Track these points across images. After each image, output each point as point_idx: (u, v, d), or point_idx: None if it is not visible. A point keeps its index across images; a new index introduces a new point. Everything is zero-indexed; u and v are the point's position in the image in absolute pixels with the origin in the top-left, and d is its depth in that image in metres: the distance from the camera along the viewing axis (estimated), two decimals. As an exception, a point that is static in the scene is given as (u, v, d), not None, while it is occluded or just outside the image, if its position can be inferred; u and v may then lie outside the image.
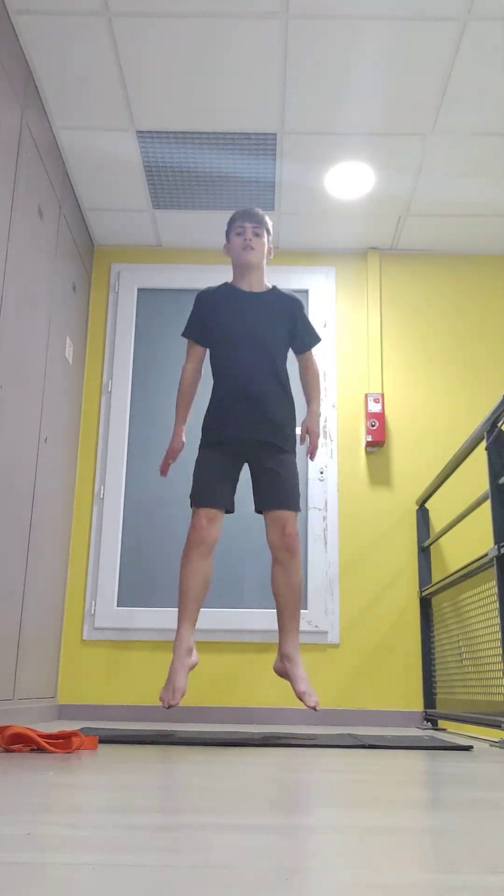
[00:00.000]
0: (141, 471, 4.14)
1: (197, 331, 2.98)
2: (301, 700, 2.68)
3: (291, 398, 2.91)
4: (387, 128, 3.48)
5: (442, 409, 4.21)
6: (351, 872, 0.80)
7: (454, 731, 3.49)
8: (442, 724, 3.68)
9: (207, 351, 3.01)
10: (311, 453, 2.92)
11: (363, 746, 2.39)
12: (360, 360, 4.29)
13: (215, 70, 3.16)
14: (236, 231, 2.95)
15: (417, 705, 3.79)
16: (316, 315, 4.35)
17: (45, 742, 2.03)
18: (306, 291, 4.41)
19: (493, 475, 2.76)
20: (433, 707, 3.66)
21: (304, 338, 2.99)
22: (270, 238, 3.01)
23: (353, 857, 0.88)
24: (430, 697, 3.71)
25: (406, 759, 2.09)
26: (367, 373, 4.26)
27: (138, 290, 4.43)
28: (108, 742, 2.34)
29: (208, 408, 2.90)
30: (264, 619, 3.85)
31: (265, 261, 3.00)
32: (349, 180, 3.84)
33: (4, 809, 1.15)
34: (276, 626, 3.83)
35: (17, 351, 3.09)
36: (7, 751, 2.01)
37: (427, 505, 4.03)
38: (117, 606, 3.94)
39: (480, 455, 3.15)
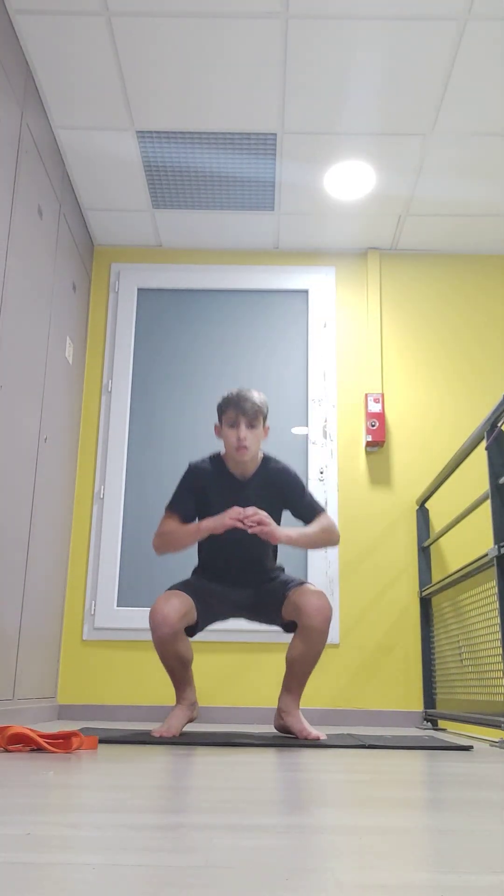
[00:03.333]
0: (141, 471, 4.14)
1: (184, 509, 2.74)
2: (303, 737, 2.57)
3: (275, 553, 2.86)
4: (387, 128, 3.48)
5: (442, 409, 4.21)
6: (351, 872, 0.80)
7: (454, 731, 3.49)
8: (442, 724, 3.68)
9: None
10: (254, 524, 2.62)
11: (363, 746, 2.39)
12: (360, 360, 4.29)
13: (215, 70, 3.16)
14: (227, 422, 2.68)
15: (417, 705, 3.79)
16: (316, 315, 4.35)
17: (45, 742, 2.03)
18: (306, 291, 4.41)
19: (493, 475, 2.76)
20: (433, 707, 3.66)
21: (302, 511, 2.75)
22: (267, 419, 2.74)
23: (353, 857, 0.88)
24: (430, 697, 3.71)
25: (406, 759, 2.09)
26: (367, 373, 4.26)
27: (138, 290, 4.43)
28: (108, 742, 2.34)
29: (199, 567, 2.85)
30: (264, 619, 3.85)
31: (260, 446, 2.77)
32: (349, 180, 3.84)
33: (4, 809, 1.15)
34: (275, 627, 3.83)
35: (17, 351, 3.09)
36: (7, 751, 2.01)
37: (427, 505, 4.03)
38: (117, 606, 3.93)
39: (480, 455, 3.15)
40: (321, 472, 4.09)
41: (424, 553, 3.93)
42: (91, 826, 1.04)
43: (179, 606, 2.56)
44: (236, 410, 2.66)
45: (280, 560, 2.92)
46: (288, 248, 4.47)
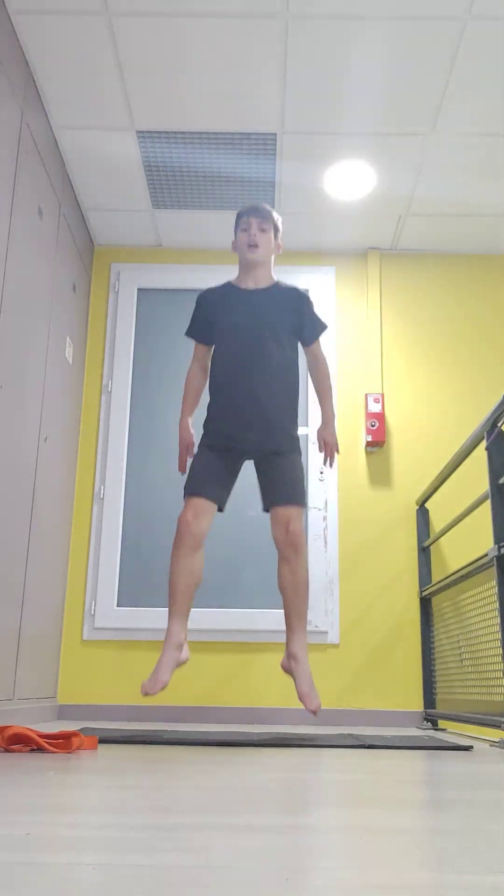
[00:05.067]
0: (141, 471, 4.14)
1: (199, 330, 2.95)
2: (302, 701, 2.63)
3: (295, 395, 2.85)
4: (387, 128, 3.48)
5: (442, 409, 4.21)
6: (351, 872, 0.80)
7: (454, 731, 3.49)
8: (442, 724, 3.68)
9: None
10: (330, 462, 2.94)
11: (363, 746, 2.39)
12: (360, 360, 4.29)
13: (215, 70, 3.16)
14: (241, 227, 2.89)
15: (417, 705, 3.79)
16: (316, 315, 4.35)
17: (45, 742, 2.03)
18: (306, 291, 4.40)
19: (493, 475, 2.76)
20: (433, 707, 3.66)
21: (309, 329, 2.90)
22: (279, 234, 2.92)
23: (353, 857, 0.88)
24: (430, 697, 3.71)
25: (406, 759, 2.09)
26: (367, 373, 4.26)
27: (138, 290, 4.43)
28: (108, 742, 2.34)
29: (208, 410, 2.85)
30: (265, 619, 3.85)
31: (272, 256, 2.94)
32: (349, 180, 3.84)
33: (4, 809, 1.15)
34: (276, 627, 3.83)
35: (17, 351, 3.09)
36: (7, 751, 2.01)
37: (427, 505, 4.03)
38: (117, 606, 3.94)
39: (480, 455, 3.15)
40: (321, 472, 4.09)
41: (424, 553, 3.93)
42: (91, 826, 1.04)
43: (206, 517, 2.68)
44: (248, 214, 2.87)
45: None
46: (288, 248, 4.46)
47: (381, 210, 4.09)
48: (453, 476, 3.98)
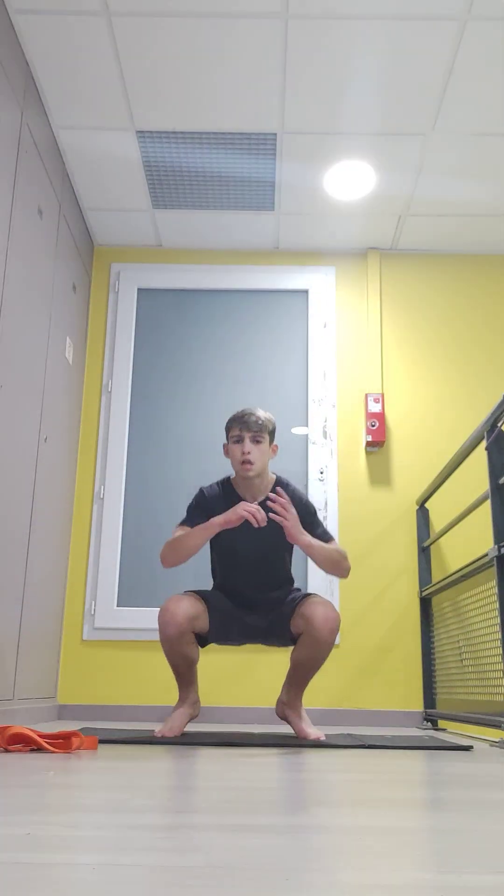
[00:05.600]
0: (141, 471, 4.14)
1: (197, 524, 2.68)
2: (302, 737, 2.59)
3: (291, 579, 2.83)
4: (387, 128, 3.48)
5: (442, 409, 4.21)
6: (351, 872, 0.80)
7: (454, 731, 3.49)
8: (442, 724, 3.68)
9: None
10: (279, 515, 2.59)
11: (363, 746, 2.39)
12: (360, 360, 4.29)
13: (215, 70, 3.16)
14: (233, 439, 2.68)
15: (417, 705, 3.79)
16: (316, 315, 4.35)
17: (45, 742, 2.03)
18: (306, 291, 4.41)
19: (493, 475, 2.76)
20: (433, 707, 3.66)
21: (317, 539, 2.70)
22: (274, 435, 2.73)
23: (353, 857, 0.88)
24: (430, 697, 3.71)
25: (406, 759, 2.09)
26: (367, 373, 4.26)
27: (138, 290, 4.43)
28: (108, 742, 2.34)
29: (215, 585, 2.83)
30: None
31: (268, 463, 2.74)
32: (349, 180, 3.84)
33: (4, 809, 1.15)
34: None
35: (17, 351, 3.09)
36: (7, 751, 2.01)
37: (427, 505, 4.03)
38: (117, 606, 3.94)
39: (480, 455, 3.15)
40: (321, 472, 4.09)
41: (424, 553, 3.93)
42: (91, 826, 1.04)
43: (189, 608, 2.55)
44: (240, 426, 2.66)
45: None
46: (288, 248, 4.47)
47: (380, 210, 4.09)
48: (453, 476, 3.98)
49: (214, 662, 3.82)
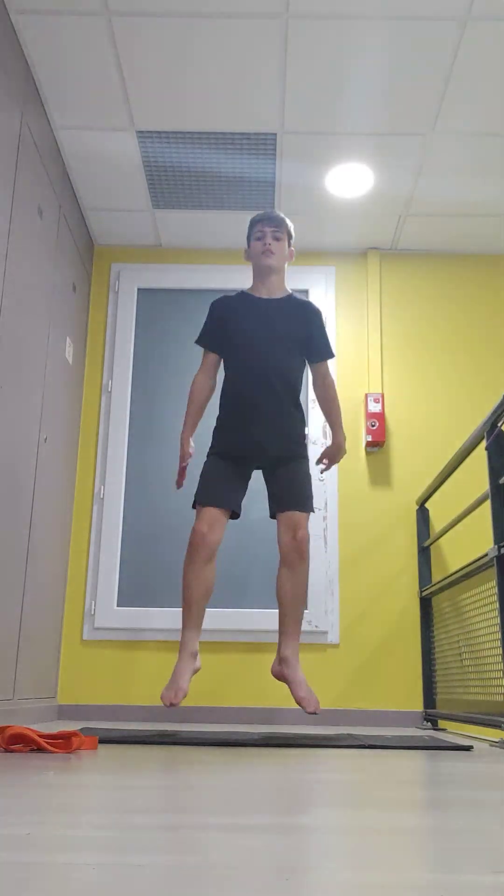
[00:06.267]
0: (141, 471, 4.14)
1: (211, 339, 2.91)
2: (300, 705, 2.65)
3: (301, 407, 2.88)
4: (387, 128, 3.48)
5: (442, 409, 4.21)
6: (351, 872, 0.80)
7: (454, 731, 3.49)
8: (442, 724, 3.68)
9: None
10: (325, 468, 2.99)
11: (363, 746, 2.39)
12: (360, 360, 4.29)
13: (215, 70, 3.16)
14: (256, 235, 2.89)
15: (417, 705, 3.79)
16: (316, 315, 4.35)
17: (45, 742, 2.03)
18: (306, 291, 4.41)
19: (493, 475, 2.76)
20: (433, 707, 3.66)
21: (319, 346, 2.90)
22: (292, 241, 2.95)
23: (353, 857, 0.88)
24: (430, 697, 3.71)
25: (406, 759, 2.09)
26: (367, 373, 4.26)
27: (138, 290, 4.43)
28: (108, 742, 2.34)
29: (218, 418, 2.86)
30: (265, 619, 3.85)
31: (286, 265, 2.95)
32: (349, 180, 3.84)
33: (4, 809, 1.15)
34: (275, 627, 3.83)
35: (17, 351, 3.09)
36: (7, 751, 2.01)
37: (427, 505, 4.03)
38: (117, 606, 3.94)
39: (480, 455, 3.15)
40: (321, 473, 4.09)
41: (424, 553, 3.93)
42: (91, 826, 1.04)
43: (219, 528, 2.70)
44: (262, 222, 2.88)
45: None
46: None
47: (380, 210, 4.09)
48: (453, 476, 3.99)
49: (213, 662, 3.82)
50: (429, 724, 3.67)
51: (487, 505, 3.84)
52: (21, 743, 2.04)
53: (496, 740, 2.76)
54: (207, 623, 3.79)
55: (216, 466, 2.79)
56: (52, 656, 3.70)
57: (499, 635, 2.64)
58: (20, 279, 3.10)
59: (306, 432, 2.93)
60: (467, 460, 3.39)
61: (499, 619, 2.58)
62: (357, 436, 4.17)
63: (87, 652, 3.87)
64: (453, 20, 2.91)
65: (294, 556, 2.71)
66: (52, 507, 3.64)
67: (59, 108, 3.39)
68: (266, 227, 2.87)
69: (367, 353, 4.29)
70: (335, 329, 4.33)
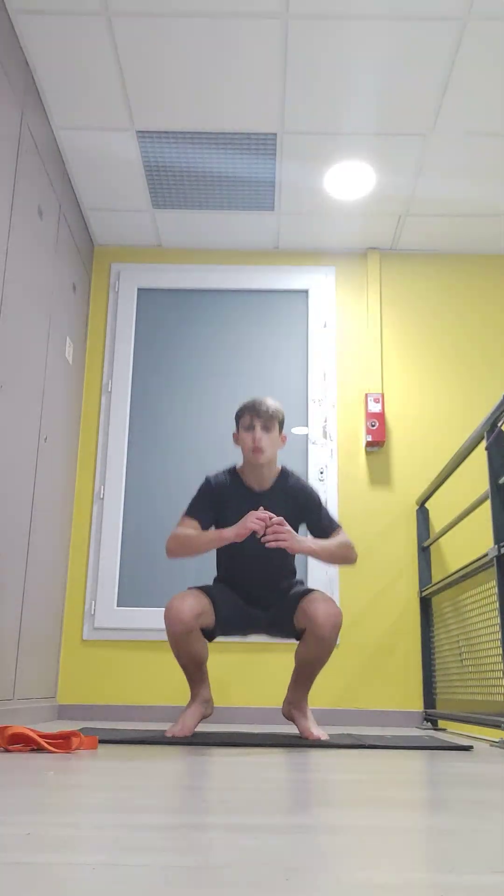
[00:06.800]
0: (141, 471, 4.14)
1: (202, 514, 2.72)
2: (305, 736, 2.60)
3: (294, 570, 2.85)
4: (387, 128, 3.48)
5: (442, 409, 4.21)
6: (351, 872, 0.80)
7: (454, 731, 3.49)
8: (442, 724, 3.68)
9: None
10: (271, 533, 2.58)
11: (363, 746, 2.39)
12: (360, 360, 4.29)
13: (215, 70, 3.16)
14: (244, 426, 2.71)
15: (417, 705, 3.79)
16: (316, 315, 4.35)
17: (45, 742, 2.03)
18: (306, 291, 4.41)
19: (493, 475, 2.76)
20: (433, 707, 3.66)
21: (321, 529, 2.75)
22: (283, 426, 2.76)
23: (353, 857, 0.88)
24: (430, 697, 3.71)
25: (406, 759, 2.09)
26: (367, 373, 4.26)
27: (138, 290, 4.43)
28: (108, 742, 2.34)
29: (216, 579, 2.84)
30: (264, 619, 3.85)
31: (277, 453, 2.77)
32: (349, 180, 3.84)
33: (4, 809, 1.15)
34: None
35: (17, 351, 3.09)
36: (7, 751, 2.01)
37: (427, 505, 4.03)
38: (117, 606, 3.93)
39: (480, 455, 3.15)
40: (321, 472, 4.09)
41: (424, 553, 3.93)
42: (91, 826, 1.04)
43: (195, 605, 2.54)
44: (251, 414, 2.70)
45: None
46: (288, 248, 4.47)
47: (380, 210, 4.09)
48: (453, 476, 3.98)
49: (218, 663, 3.82)
50: (429, 724, 3.67)
51: (487, 505, 3.84)
52: (21, 743, 2.04)
53: (496, 740, 2.76)
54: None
55: (222, 588, 2.75)
56: (52, 656, 3.70)
57: (499, 635, 2.64)
58: (20, 279, 3.10)
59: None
60: (467, 460, 3.39)
61: (499, 619, 2.58)
62: (357, 436, 4.17)
63: (87, 652, 3.87)
64: (453, 20, 2.91)
65: (327, 630, 2.51)
66: (52, 506, 3.64)
67: (59, 108, 3.39)
68: (256, 421, 2.68)
69: (367, 353, 4.29)
70: (335, 329, 4.33)
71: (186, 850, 0.89)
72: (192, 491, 2.83)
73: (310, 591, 2.66)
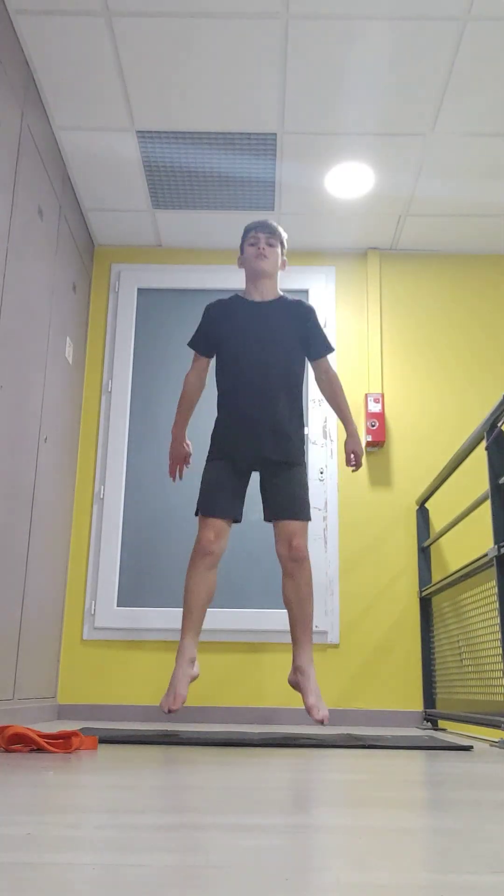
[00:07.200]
0: (141, 471, 4.14)
1: (204, 342, 2.96)
2: (309, 713, 2.67)
3: (300, 408, 2.89)
4: (387, 128, 3.48)
5: (442, 409, 4.21)
6: (351, 872, 0.80)
7: (454, 731, 3.49)
8: (442, 724, 3.68)
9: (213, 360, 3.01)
10: (356, 467, 2.98)
11: (363, 746, 2.39)
12: (360, 360, 4.29)
13: (215, 70, 3.16)
14: (249, 241, 2.94)
15: (417, 705, 3.79)
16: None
17: (45, 742, 2.03)
18: (306, 291, 4.41)
19: (493, 475, 2.76)
20: (433, 707, 3.66)
21: (316, 342, 2.94)
22: (284, 250, 2.99)
23: (353, 857, 0.88)
24: (430, 697, 3.71)
25: (406, 759, 2.09)
26: (367, 373, 4.26)
27: (138, 290, 4.43)
28: (108, 742, 2.34)
29: (216, 422, 2.88)
30: (265, 619, 3.85)
31: (278, 271, 2.99)
32: (349, 180, 3.84)
33: (4, 809, 1.15)
34: (278, 627, 3.83)
35: (17, 351, 3.09)
36: (7, 751, 2.01)
37: (427, 505, 4.03)
38: (117, 606, 3.94)
39: (480, 455, 3.15)
40: (321, 472, 4.09)
41: (424, 553, 3.93)
42: (91, 826, 1.04)
43: (222, 539, 2.72)
44: (256, 229, 2.93)
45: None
46: (288, 248, 4.47)
47: (380, 210, 4.09)
48: (453, 476, 3.99)
49: (214, 662, 3.83)
50: (429, 724, 3.67)
51: (487, 505, 3.84)
52: (21, 743, 2.04)
53: (496, 740, 2.76)
54: (207, 623, 3.80)
55: (216, 474, 2.79)
56: (52, 656, 3.70)
57: (499, 635, 2.64)
58: (20, 279, 3.10)
59: (306, 434, 2.92)
60: (467, 460, 3.39)
61: (499, 619, 2.58)
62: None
63: (87, 652, 3.87)
64: (453, 20, 2.91)
65: (293, 565, 2.72)
66: (52, 507, 3.64)
67: (59, 108, 3.39)
68: (260, 234, 2.92)
69: (367, 353, 4.29)
70: (335, 329, 4.33)
71: (186, 850, 0.89)
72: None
73: (294, 513, 2.74)
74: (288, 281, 4.41)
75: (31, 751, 2.03)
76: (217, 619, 3.84)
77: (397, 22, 2.92)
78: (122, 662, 3.85)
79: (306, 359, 2.98)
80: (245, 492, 2.85)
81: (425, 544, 3.93)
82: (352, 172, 3.78)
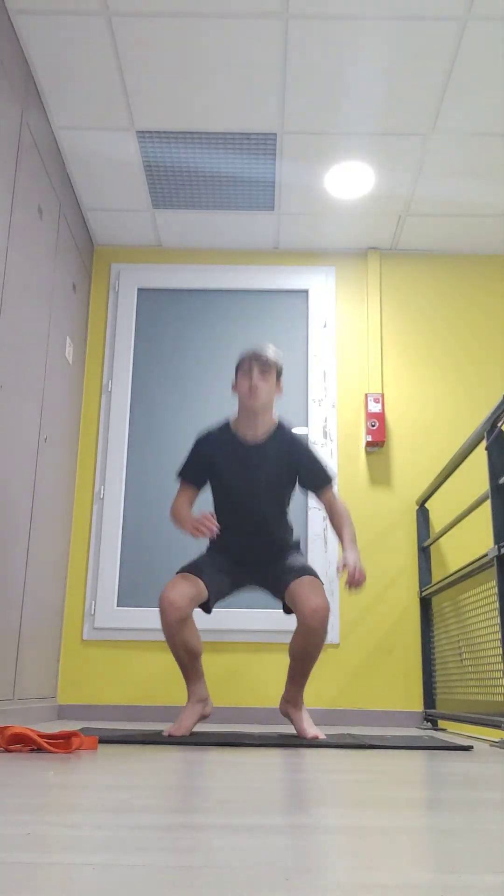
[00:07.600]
0: (141, 471, 4.14)
1: (192, 475, 2.83)
2: (301, 736, 2.63)
3: (290, 523, 2.87)
4: (387, 128, 3.48)
5: (442, 409, 4.21)
6: (351, 872, 0.80)
7: (454, 731, 3.49)
8: (442, 724, 3.68)
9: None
10: (357, 585, 2.63)
11: (363, 746, 2.39)
12: (360, 360, 4.29)
13: (215, 70, 3.16)
14: (242, 372, 2.75)
15: (417, 705, 3.79)
16: (316, 315, 4.35)
17: (45, 742, 2.03)
18: (306, 291, 4.41)
19: (493, 475, 2.76)
20: (433, 707, 3.66)
21: (315, 479, 2.79)
22: (281, 377, 2.81)
23: (353, 857, 0.88)
24: (430, 697, 3.71)
25: (406, 759, 2.09)
26: (367, 373, 4.26)
27: (138, 290, 4.43)
28: (108, 742, 2.34)
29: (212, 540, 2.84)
30: (264, 619, 3.85)
31: (274, 401, 2.81)
32: (349, 180, 3.84)
33: (4, 809, 1.15)
34: (277, 627, 3.83)
35: (17, 351, 3.09)
36: (7, 751, 2.01)
37: (427, 505, 4.03)
38: (117, 606, 3.94)
39: (480, 455, 3.15)
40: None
41: (424, 553, 3.93)
42: (91, 826, 1.04)
43: (187, 590, 2.56)
44: (250, 360, 2.74)
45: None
46: (288, 248, 4.47)
47: (380, 210, 4.09)
48: (453, 476, 3.99)
49: (218, 663, 3.82)
50: (429, 724, 3.67)
51: (487, 505, 3.84)
52: (21, 743, 2.04)
53: (496, 740, 2.76)
54: (209, 623, 3.79)
55: (212, 556, 2.78)
56: (52, 656, 3.70)
57: (499, 635, 2.64)
58: (20, 279, 3.10)
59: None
60: (467, 460, 3.39)
61: (499, 619, 2.58)
62: (357, 436, 4.17)
63: (87, 652, 3.87)
64: (453, 20, 2.91)
65: (315, 624, 2.55)
66: (52, 507, 3.64)
67: (59, 108, 3.39)
68: (254, 365, 2.72)
69: (367, 353, 4.29)
70: (335, 329, 4.33)
71: (186, 850, 0.89)
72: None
73: (302, 571, 2.66)
74: (288, 281, 4.41)
75: (32, 751, 2.03)
76: (217, 619, 3.84)
77: (397, 22, 2.92)
78: (122, 662, 3.84)
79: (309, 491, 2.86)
80: (228, 592, 2.80)
81: (425, 544, 3.93)
82: (352, 172, 3.78)
